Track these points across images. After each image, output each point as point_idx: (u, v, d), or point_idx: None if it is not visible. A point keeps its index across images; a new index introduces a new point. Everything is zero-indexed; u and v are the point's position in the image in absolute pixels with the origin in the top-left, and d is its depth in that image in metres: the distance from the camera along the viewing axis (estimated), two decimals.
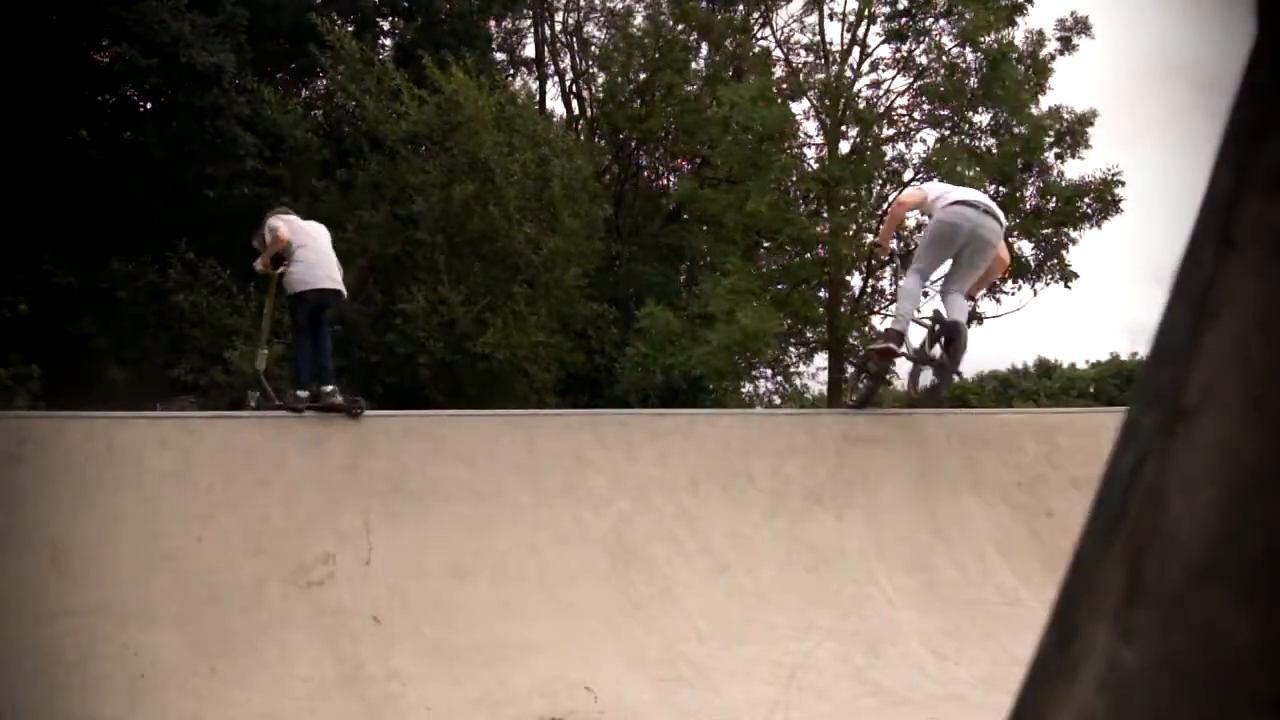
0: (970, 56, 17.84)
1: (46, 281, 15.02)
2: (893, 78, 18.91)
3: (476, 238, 14.93)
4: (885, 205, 19.50)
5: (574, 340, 15.94)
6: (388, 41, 20.69)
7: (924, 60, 18.54)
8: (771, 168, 17.31)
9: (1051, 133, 18.07)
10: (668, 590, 7.20)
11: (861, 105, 18.76)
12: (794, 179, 18.86)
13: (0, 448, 6.46)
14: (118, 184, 16.18)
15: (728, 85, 18.06)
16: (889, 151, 19.10)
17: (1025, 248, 18.87)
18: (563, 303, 15.61)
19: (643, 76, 19.81)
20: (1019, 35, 18.13)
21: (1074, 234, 18.42)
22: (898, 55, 18.82)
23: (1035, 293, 18.97)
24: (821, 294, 19.00)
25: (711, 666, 6.62)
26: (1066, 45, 18.26)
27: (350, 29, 18.96)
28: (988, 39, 17.27)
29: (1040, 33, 18.11)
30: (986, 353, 45.80)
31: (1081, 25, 18.21)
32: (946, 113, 18.59)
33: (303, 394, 7.57)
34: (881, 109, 19.00)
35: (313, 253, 7.91)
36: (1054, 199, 18.32)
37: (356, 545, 6.67)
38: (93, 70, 16.83)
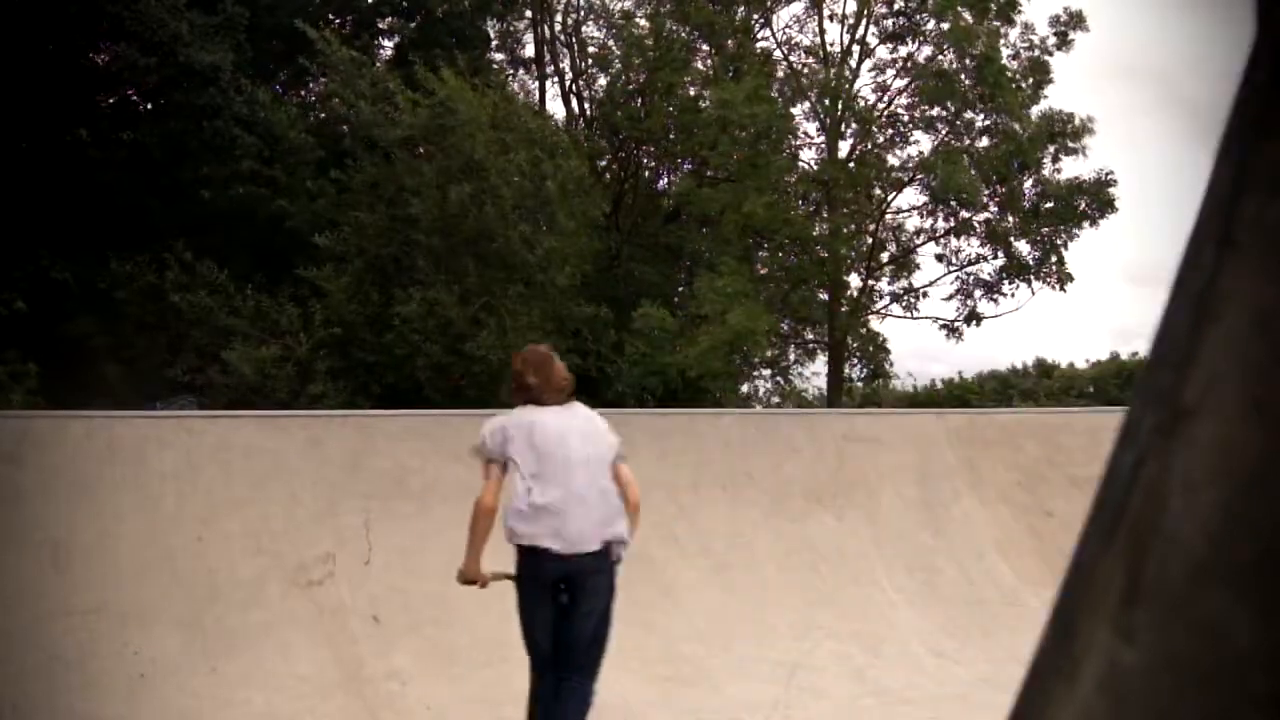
0: (957, 58, 17.82)
1: (44, 279, 15.03)
2: (891, 79, 18.93)
3: (473, 238, 14.93)
4: (883, 207, 19.55)
5: (569, 341, 15.93)
6: (386, 42, 20.74)
7: (921, 59, 18.54)
8: (769, 168, 17.30)
9: (1052, 142, 18.05)
10: (668, 590, 7.20)
11: (860, 106, 18.76)
12: (793, 179, 18.85)
13: (0, 448, 6.46)
14: (116, 183, 16.20)
15: (721, 84, 18.05)
16: (889, 158, 19.11)
17: (1023, 248, 18.89)
18: (557, 303, 15.60)
19: (642, 77, 19.81)
20: (1014, 33, 18.13)
21: (1075, 231, 18.41)
22: (895, 56, 18.84)
23: (1033, 292, 18.99)
24: (821, 295, 19.02)
25: (711, 666, 6.63)
26: (1063, 41, 18.23)
27: (346, 30, 18.98)
28: (977, 42, 17.22)
29: (1030, 26, 18.09)
30: (986, 353, 45.98)
31: (1076, 20, 18.18)
32: (939, 113, 18.58)
33: None
34: (880, 110, 19.01)
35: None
36: (1051, 200, 18.32)
37: (356, 545, 6.67)
38: (92, 69, 16.85)
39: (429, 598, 6.59)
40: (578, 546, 4.18)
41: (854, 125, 18.87)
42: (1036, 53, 18.22)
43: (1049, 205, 18.38)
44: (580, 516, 4.22)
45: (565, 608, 4.22)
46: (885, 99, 19.00)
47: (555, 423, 4.43)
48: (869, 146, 19.01)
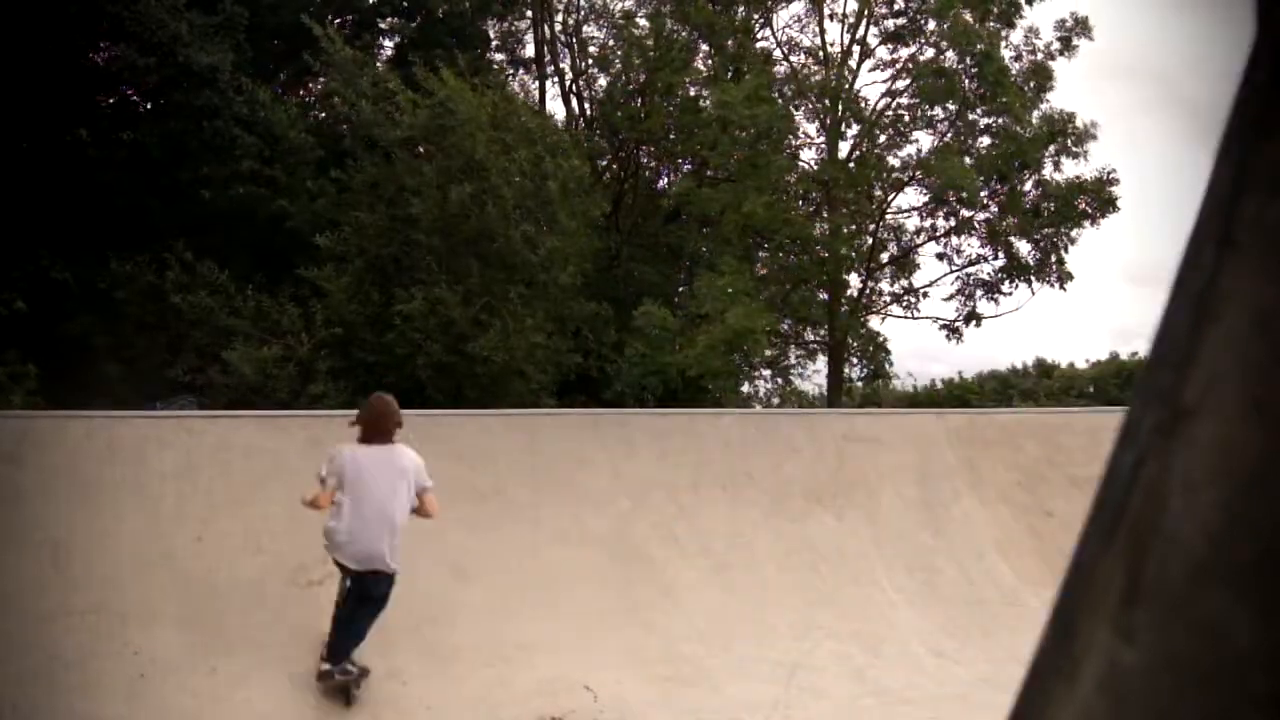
0: (961, 59, 17.80)
1: (44, 279, 15.03)
2: (891, 80, 18.90)
3: (474, 237, 14.93)
4: (883, 207, 19.55)
5: (570, 340, 15.91)
6: (387, 42, 20.74)
7: (922, 60, 18.52)
8: (769, 168, 17.29)
9: (1053, 142, 18.03)
10: (668, 590, 7.20)
11: (860, 106, 18.76)
12: (793, 179, 18.84)
13: (0, 448, 6.46)
14: (116, 183, 16.20)
15: (720, 85, 18.03)
16: (890, 158, 19.08)
17: (1023, 248, 18.89)
18: (559, 303, 15.60)
19: (642, 77, 19.81)
20: (1016, 36, 18.13)
21: (1073, 234, 18.42)
22: (895, 57, 18.82)
23: (1033, 292, 18.98)
24: (821, 295, 19.00)
25: (711, 666, 6.63)
26: (1066, 46, 18.21)
27: (347, 30, 18.98)
28: (978, 41, 17.20)
29: (1034, 30, 18.07)
30: (986, 353, 45.87)
31: (1081, 26, 18.17)
32: (940, 113, 18.57)
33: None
34: (881, 110, 19.00)
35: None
36: (1052, 201, 18.31)
37: None
38: (92, 69, 16.85)
39: (429, 598, 6.60)
40: (364, 565, 5.81)
41: (854, 125, 18.86)
42: (1040, 57, 18.22)
43: (1049, 205, 18.37)
44: (367, 542, 5.81)
45: (360, 589, 5.87)
46: (886, 99, 19.00)
47: (372, 461, 5.92)
48: (869, 147, 18.99)
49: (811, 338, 20.49)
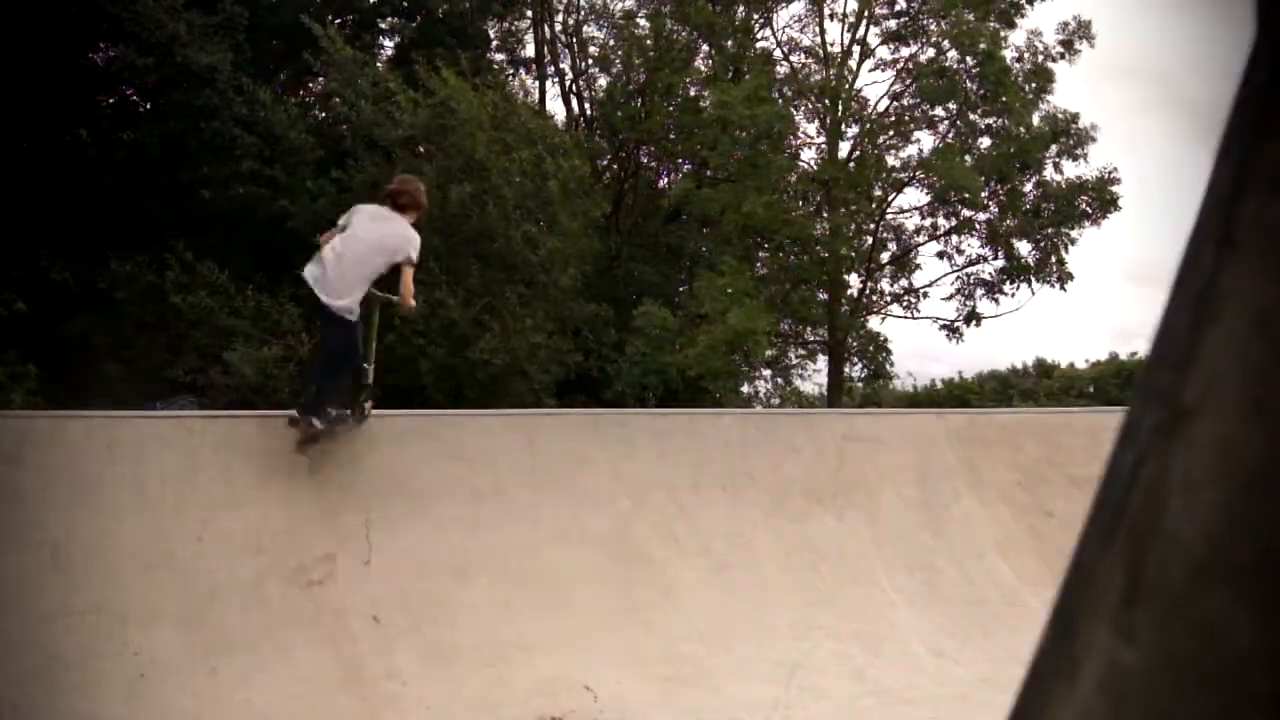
0: (962, 58, 17.79)
1: (44, 279, 15.04)
2: (892, 80, 18.90)
3: (474, 237, 14.93)
4: (883, 207, 19.55)
5: (571, 340, 15.92)
6: (387, 42, 20.76)
7: (923, 59, 18.51)
8: (769, 168, 17.29)
9: (1055, 142, 18.04)
10: (668, 590, 7.20)
11: (858, 106, 18.76)
12: (794, 178, 18.85)
13: (0, 448, 6.46)
14: (116, 183, 16.21)
15: (720, 85, 18.05)
16: (889, 158, 19.08)
17: (1024, 248, 18.90)
18: (560, 304, 15.60)
19: (642, 77, 19.82)
20: (1019, 36, 18.12)
21: (1073, 234, 18.43)
22: (897, 57, 18.82)
23: (1033, 292, 18.98)
24: (821, 295, 19.00)
25: (711, 666, 6.62)
26: (1068, 49, 18.20)
27: (347, 30, 19.00)
28: (980, 40, 17.19)
29: (1037, 32, 18.08)
30: (986, 353, 45.92)
31: (1084, 30, 18.16)
32: (942, 113, 18.57)
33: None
34: (880, 111, 19.00)
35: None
36: (1052, 202, 18.31)
37: (356, 545, 6.67)
38: (92, 70, 16.87)
39: (429, 598, 6.59)
40: (316, 286, 6.48)
41: (854, 125, 18.87)
42: (1041, 59, 18.22)
43: (1049, 206, 18.38)
44: (335, 279, 6.48)
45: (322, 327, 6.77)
46: (887, 99, 19.00)
47: (367, 218, 6.70)
48: (869, 147, 18.98)
49: (811, 338, 20.50)
